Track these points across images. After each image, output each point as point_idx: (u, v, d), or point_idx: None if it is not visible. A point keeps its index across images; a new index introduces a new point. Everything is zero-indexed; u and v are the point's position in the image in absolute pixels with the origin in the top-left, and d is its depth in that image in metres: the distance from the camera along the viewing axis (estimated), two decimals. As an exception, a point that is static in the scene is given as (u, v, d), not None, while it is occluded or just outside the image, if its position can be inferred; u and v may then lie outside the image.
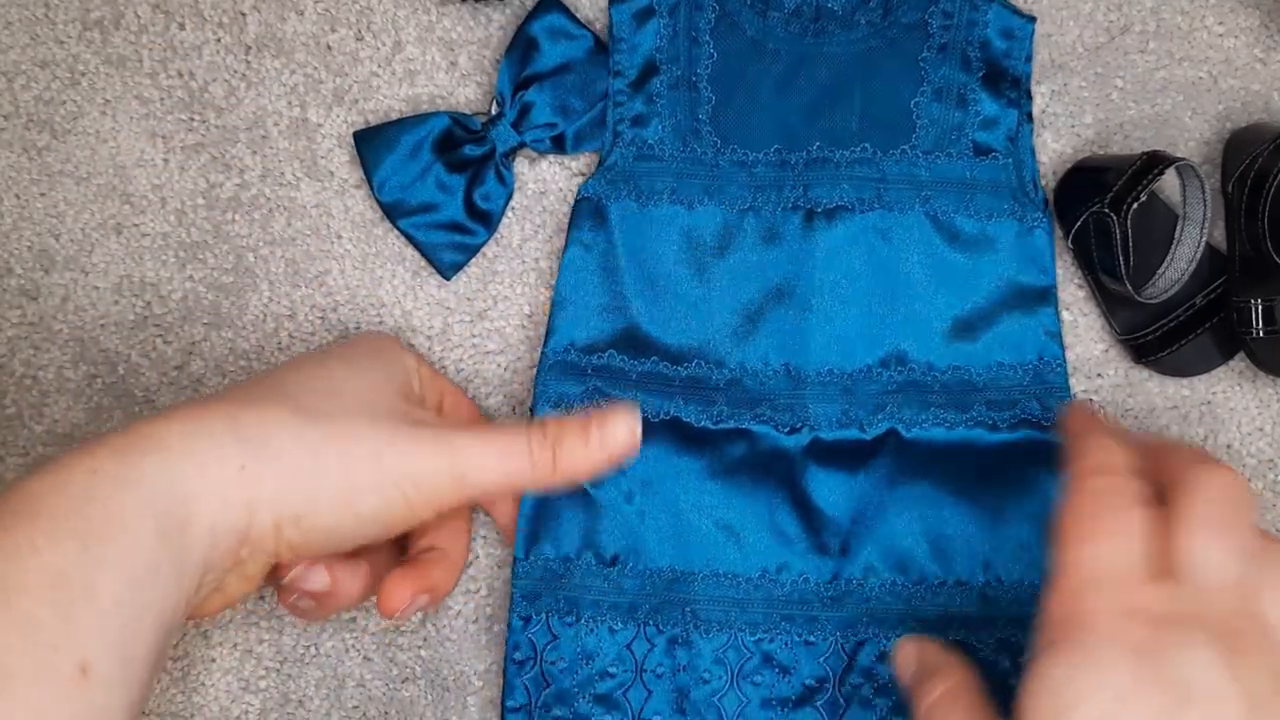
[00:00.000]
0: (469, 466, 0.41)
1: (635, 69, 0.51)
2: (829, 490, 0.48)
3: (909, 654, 0.43)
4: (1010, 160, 0.50)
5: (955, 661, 0.41)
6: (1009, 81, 0.50)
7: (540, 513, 0.48)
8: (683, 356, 0.50)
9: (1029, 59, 0.50)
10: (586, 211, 0.50)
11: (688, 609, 0.48)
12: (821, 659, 0.48)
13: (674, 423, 0.49)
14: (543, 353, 0.50)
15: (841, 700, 0.47)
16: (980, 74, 0.50)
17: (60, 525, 0.33)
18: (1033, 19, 0.50)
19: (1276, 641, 0.35)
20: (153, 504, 0.35)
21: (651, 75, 0.51)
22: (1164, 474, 0.37)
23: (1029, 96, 0.50)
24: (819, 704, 0.47)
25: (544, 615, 0.48)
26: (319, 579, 0.42)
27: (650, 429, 0.49)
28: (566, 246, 0.50)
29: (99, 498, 0.34)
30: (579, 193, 0.50)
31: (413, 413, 0.42)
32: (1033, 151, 0.50)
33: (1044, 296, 0.49)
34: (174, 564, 0.35)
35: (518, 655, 0.48)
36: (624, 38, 0.51)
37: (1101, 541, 0.35)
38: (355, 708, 0.50)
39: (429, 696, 0.50)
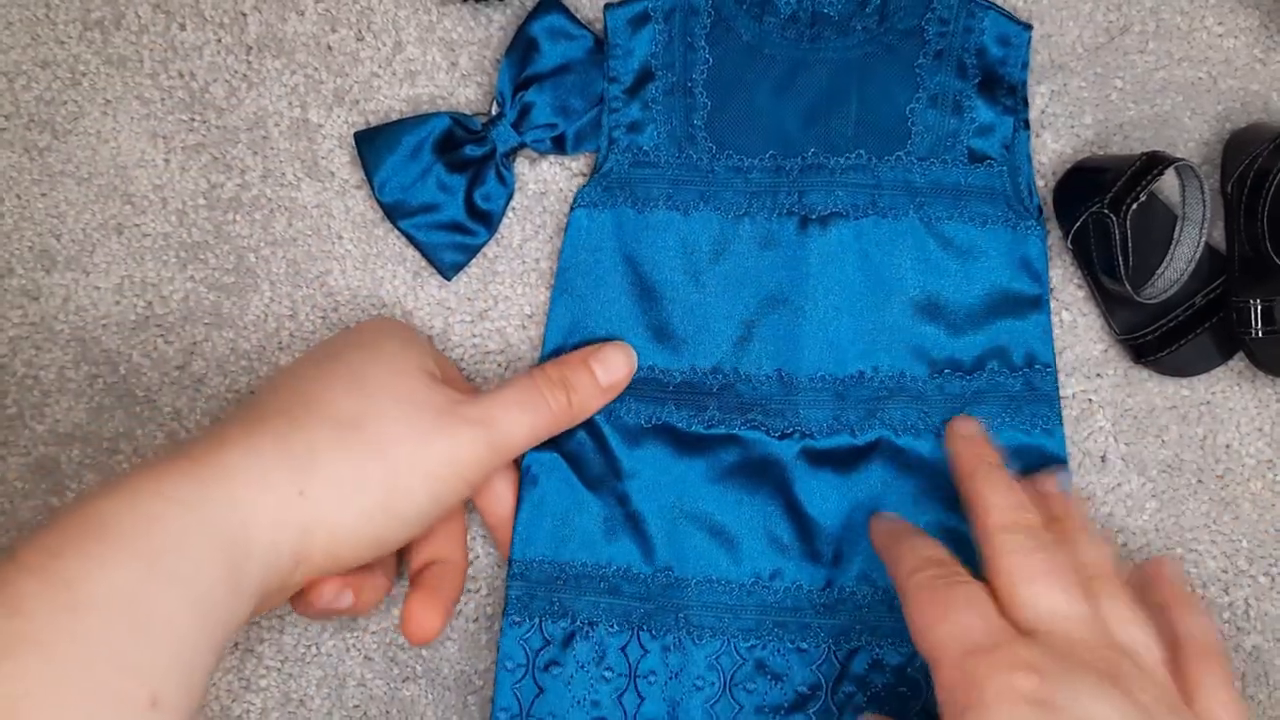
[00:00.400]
0: (501, 434, 0.43)
1: (630, 75, 0.51)
2: (821, 497, 0.48)
3: (879, 527, 0.45)
4: (1005, 167, 0.50)
5: (923, 532, 0.43)
6: (1005, 89, 0.50)
7: (534, 518, 0.48)
8: (677, 362, 0.50)
9: (1025, 66, 0.50)
10: (582, 218, 0.50)
11: (680, 615, 0.48)
12: (814, 666, 0.48)
13: (666, 428, 0.49)
14: (540, 357, 0.50)
15: (834, 708, 0.47)
16: (976, 81, 0.50)
17: (129, 545, 0.33)
18: (1029, 26, 0.50)
19: (1143, 661, 0.37)
20: (218, 530, 0.35)
21: (647, 81, 0.51)
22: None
23: (1025, 104, 0.50)
24: (812, 712, 0.47)
25: (537, 620, 0.48)
26: (345, 599, 0.43)
27: (643, 435, 0.49)
28: (562, 252, 0.50)
29: (166, 519, 0.34)
30: (575, 199, 0.51)
31: (439, 394, 0.43)
32: (1029, 159, 0.50)
33: (1036, 304, 0.49)
34: (233, 590, 0.35)
35: (509, 662, 0.48)
36: (619, 44, 0.51)
37: (957, 613, 0.37)
38: (356, 707, 0.50)
39: (429, 696, 0.50)
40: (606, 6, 0.50)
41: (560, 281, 0.50)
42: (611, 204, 0.50)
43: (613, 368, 0.48)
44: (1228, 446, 0.50)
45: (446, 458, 0.41)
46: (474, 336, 0.52)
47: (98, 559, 0.32)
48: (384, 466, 0.40)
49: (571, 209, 0.51)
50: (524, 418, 0.44)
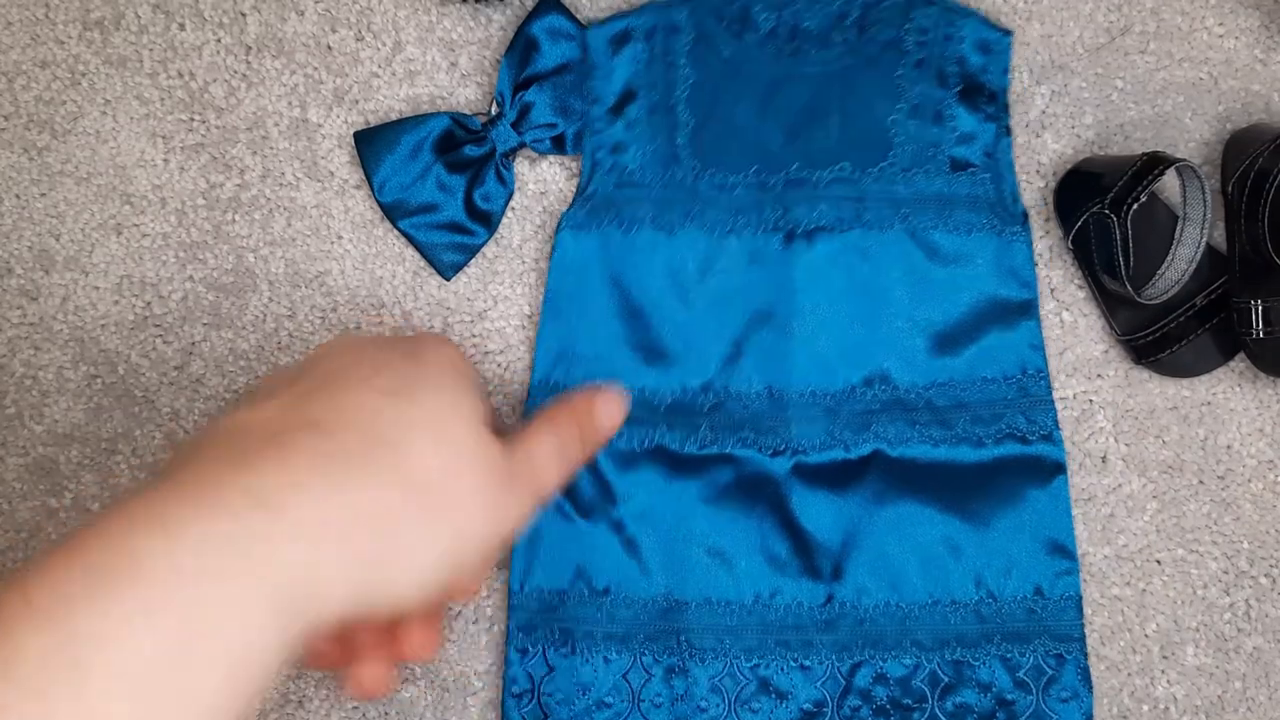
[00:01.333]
0: (545, 491, 0.40)
1: (613, 95, 0.51)
2: (817, 513, 0.48)
3: None
4: (988, 175, 0.50)
5: None
6: (986, 96, 0.50)
7: (533, 545, 0.49)
8: (667, 382, 0.50)
9: (1006, 72, 0.50)
10: (568, 240, 0.50)
11: (682, 637, 0.48)
12: (818, 683, 0.48)
13: (659, 450, 0.49)
14: (530, 384, 0.50)
15: None
16: (957, 89, 0.50)
17: (168, 599, 0.28)
18: (1009, 32, 0.50)
19: None
20: (273, 588, 0.30)
21: (629, 101, 0.51)
22: None
23: (1006, 110, 0.50)
24: None
25: (540, 647, 0.48)
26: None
27: (636, 459, 0.49)
28: (549, 276, 0.50)
29: (214, 573, 0.29)
30: (560, 222, 0.50)
31: (499, 454, 0.39)
32: (1011, 165, 0.50)
33: (1025, 309, 0.49)
34: (276, 651, 0.30)
35: (515, 689, 0.48)
36: (600, 64, 0.50)
37: None
38: (355, 708, 0.50)
39: (429, 696, 0.50)
40: (587, 26, 0.50)
41: (548, 306, 0.50)
42: (597, 225, 0.50)
43: (613, 415, 0.44)
44: (1228, 447, 0.50)
45: (508, 528, 0.38)
46: (474, 336, 0.52)
47: (119, 608, 0.27)
48: (452, 534, 0.36)
49: (557, 231, 0.51)
50: (558, 474, 0.41)
